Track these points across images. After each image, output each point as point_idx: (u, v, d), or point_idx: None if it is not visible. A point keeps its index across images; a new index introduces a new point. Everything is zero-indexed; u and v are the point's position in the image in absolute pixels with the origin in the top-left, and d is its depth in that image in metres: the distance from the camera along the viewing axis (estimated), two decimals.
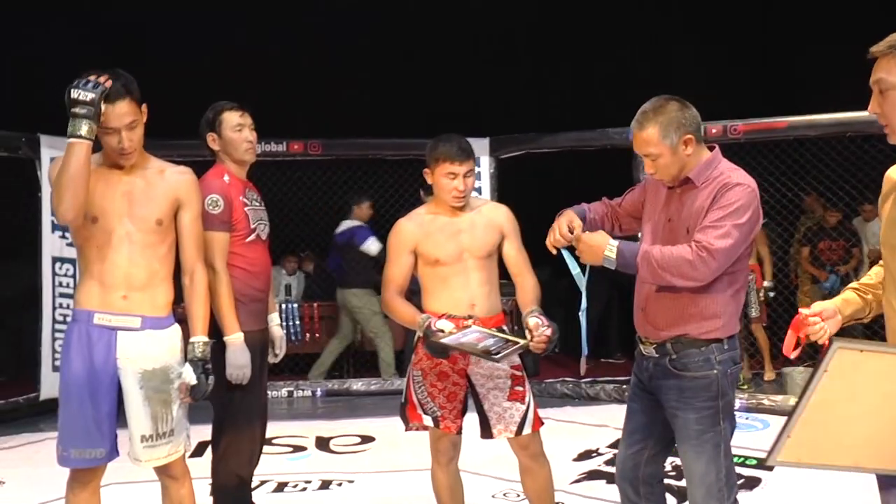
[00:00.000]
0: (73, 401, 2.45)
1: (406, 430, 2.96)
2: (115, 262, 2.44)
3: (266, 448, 4.56)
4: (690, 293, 2.30)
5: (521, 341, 2.66)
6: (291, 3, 7.11)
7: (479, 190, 6.49)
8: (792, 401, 5.49)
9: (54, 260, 5.96)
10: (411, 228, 2.93)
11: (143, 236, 2.47)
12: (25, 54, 7.20)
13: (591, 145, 6.16)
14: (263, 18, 7.24)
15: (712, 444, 2.30)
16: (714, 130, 5.66)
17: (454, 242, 2.89)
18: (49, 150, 5.93)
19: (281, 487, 3.99)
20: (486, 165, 6.48)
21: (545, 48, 7.36)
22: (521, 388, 2.89)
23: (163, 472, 2.59)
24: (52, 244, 5.95)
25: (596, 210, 2.61)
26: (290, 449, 4.77)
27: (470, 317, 2.85)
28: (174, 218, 2.54)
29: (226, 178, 2.97)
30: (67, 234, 5.99)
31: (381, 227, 6.88)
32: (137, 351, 2.46)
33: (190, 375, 2.49)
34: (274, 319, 3.23)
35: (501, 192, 6.50)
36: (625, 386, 6.10)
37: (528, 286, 2.93)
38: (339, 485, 4.04)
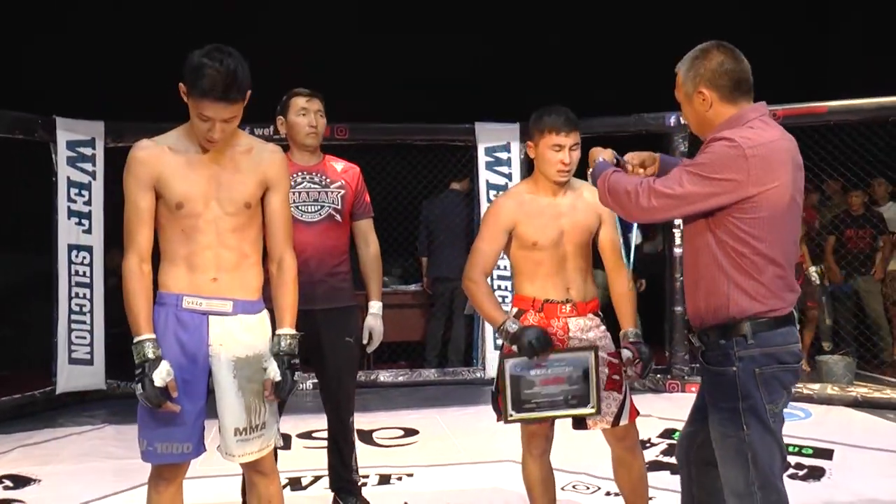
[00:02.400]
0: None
1: (498, 420, 2.80)
2: (202, 244, 2.28)
3: (307, 442, 4.48)
4: (705, 279, 2.11)
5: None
6: None
7: (509, 177, 6.35)
8: (830, 389, 5.45)
9: (70, 248, 5.72)
10: (512, 207, 2.78)
11: (232, 220, 2.30)
12: (43, 35, 6.94)
13: (627, 130, 6.03)
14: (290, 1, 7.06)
15: (735, 450, 2.08)
16: None
17: (554, 226, 2.76)
18: (66, 132, 5.70)
19: (315, 481, 3.82)
20: (516, 151, 6.32)
21: (578, 32, 7.22)
22: (617, 377, 2.77)
23: (251, 467, 2.42)
24: (68, 231, 5.71)
25: None
26: None
27: (567, 301, 2.76)
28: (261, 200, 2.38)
29: None
30: (84, 221, 5.76)
31: (407, 214, 6.74)
32: (230, 337, 2.30)
33: (274, 371, 2.31)
34: (371, 307, 3.17)
35: None
36: (658, 375, 6.00)
37: (621, 288, 2.85)
38: (399, 479, 3.88)
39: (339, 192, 3.13)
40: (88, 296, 5.75)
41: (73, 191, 5.72)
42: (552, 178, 2.74)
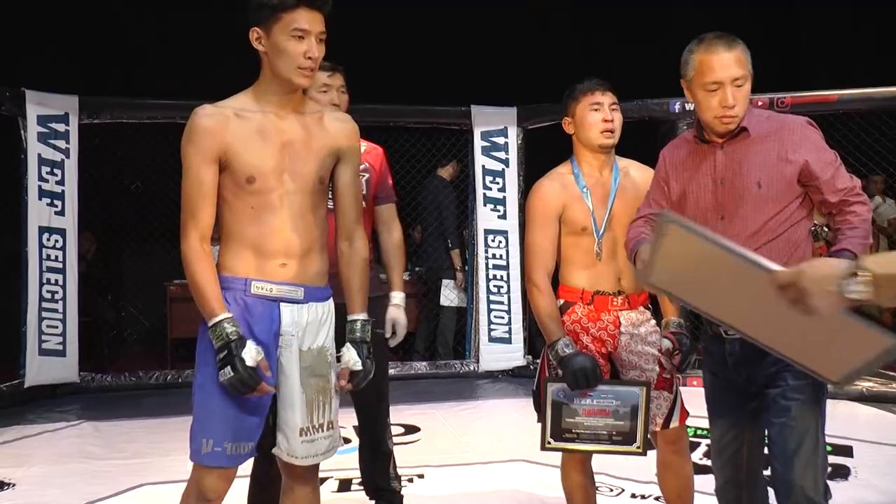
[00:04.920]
0: (226, 386, 1.98)
1: (538, 420, 2.57)
2: (273, 225, 2.03)
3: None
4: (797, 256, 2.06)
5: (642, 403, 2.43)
6: None
7: (505, 162, 6.13)
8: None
9: (41, 230, 5.34)
10: (557, 189, 2.55)
11: (304, 197, 2.07)
12: (13, 2, 6.50)
13: (630, 117, 5.77)
14: None
15: (814, 401, 2.07)
16: (760, 103, 5.39)
17: (603, 209, 2.53)
18: (36, 106, 5.31)
19: (346, 485, 3.57)
20: (513, 136, 6.10)
21: (580, 14, 7.01)
22: (668, 376, 2.55)
23: (292, 471, 2.16)
24: (38, 212, 5.33)
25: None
26: None
27: (619, 292, 2.56)
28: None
29: None
30: (56, 202, 5.39)
31: (399, 200, 6.47)
32: (301, 326, 2.07)
33: (354, 359, 2.11)
34: (393, 298, 2.90)
35: (529, 165, 6.14)
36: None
37: None
38: (411, 480, 3.65)
39: (365, 176, 2.86)
40: (61, 282, 5.39)
41: (45, 169, 5.35)
42: (597, 142, 2.54)
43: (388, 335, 2.90)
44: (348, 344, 2.14)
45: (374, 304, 2.87)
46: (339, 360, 2.14)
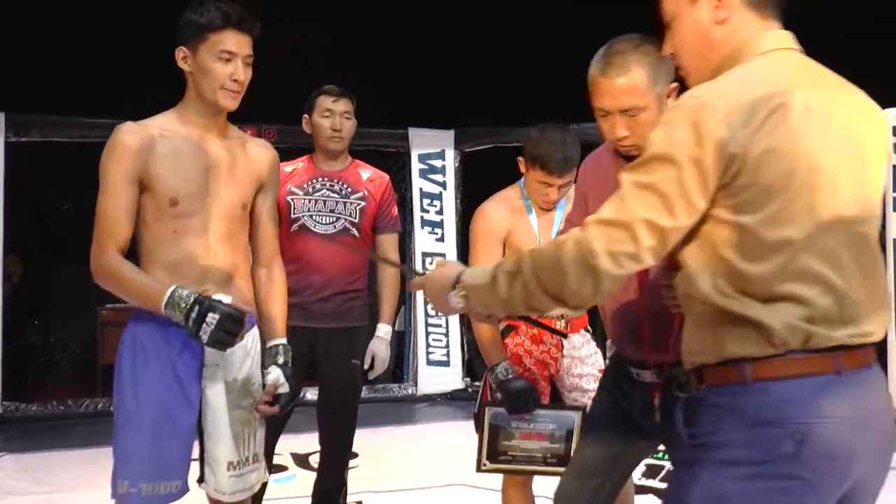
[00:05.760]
0: (146, 420, 1.92)
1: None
2: (195, 250, 1.99)
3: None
4: None
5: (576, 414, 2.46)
6: None
7: (443, 185, 6.17)
8: None
9: None
10: (502, 213, 2.57)
11: (227, 222, 2.04)
12: None
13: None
14: None
15: None
16: None
17: (549, 234, 2.57)
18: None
19: None
20: (450, 159, 6.16)
21: (516, 36, 7.11)
22: None
23: None
24: None
25: None
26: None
27: (562, 316, 2.59)
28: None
29: (299, 164, 2.90)
30: None
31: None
32: (224, 356, 2.01)
33: (281, 380, 2.07)
34: (378, 330, 2.91)
35: (466, 188, 6.20)
36: None
37: None
38: None
39: (359, 205, 2.86)
40: None
41: None
42: (538, 205, 2.58)
43: (366, 366, 2.89)
44: (274, 366, 2.09)
45: (357, 334, 2.90)
46: (264, 385, 2.10)
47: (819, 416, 1.26)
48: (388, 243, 2.97)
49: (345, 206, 2.84)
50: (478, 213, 2.61)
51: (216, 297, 1.86)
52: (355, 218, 2.85)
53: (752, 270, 1.27)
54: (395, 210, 3.01)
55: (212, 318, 1.80)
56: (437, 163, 6.16)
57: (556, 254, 1.32)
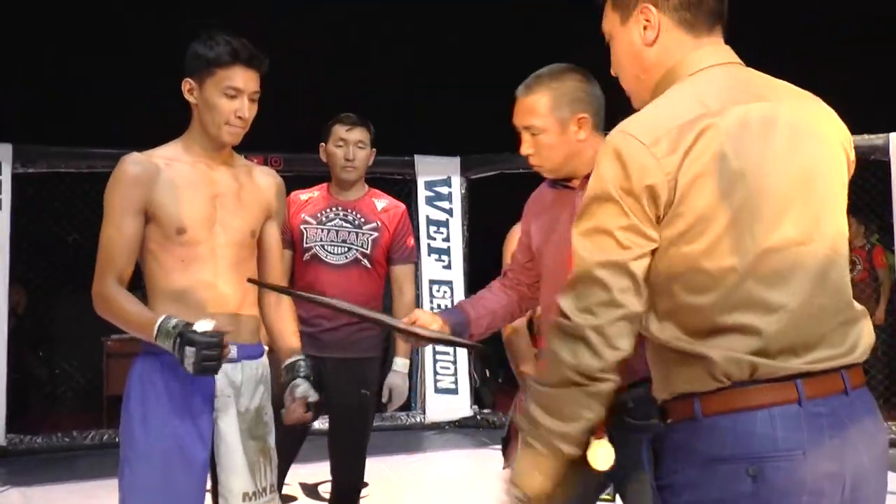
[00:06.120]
0: (156, 454, 1.88)
1: (504, 467, 2.52)
2: (203, 279, 1.96)
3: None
4: None
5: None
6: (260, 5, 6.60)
7: (449, 212, 6.16)
8: None
9: None
10: None
11: (236, 250, 2.01)
12: None
13: None
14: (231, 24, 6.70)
15: None
16: None
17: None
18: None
19: None
20: (456, 186, 6.15)
21: (522, 63, 7.15)
22: None
23: None
24: None
25: (488, 304, 2.04)
26: None
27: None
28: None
29: (315, 192, 2.90)
30: None
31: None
32: (236, 387, 1.98)
33: (311, 391, 2.05)
34: (395, 364, 2.89)
35: (472, 216, 6.19)
36: None
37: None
38: None
39: (371, 235, 2.84)
40: None
41: None
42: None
43: (384, 399, 2.87)
44: (301, 379, 2.06)
45: (367, 365, 2.87)
46: (292, 394, 2.05)
47: (775, 450, 1.17)
48: (404, 274, 2.94)
49: (357, 237, 2.82)
50: (509, 236, 2.57)
51: (198, 324, 1.79)
52: (367, 249, 2.82)
53: (696, 302, 1.21)
54: (411, 241, 2.97)
55: (189, 351, 1.75)
56: (444, 190, 6.16)
57: (545, 349, 1.27)
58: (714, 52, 1.32)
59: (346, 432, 2.85)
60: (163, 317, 1.81)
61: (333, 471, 2.89)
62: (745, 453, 1.17)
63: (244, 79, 1.94)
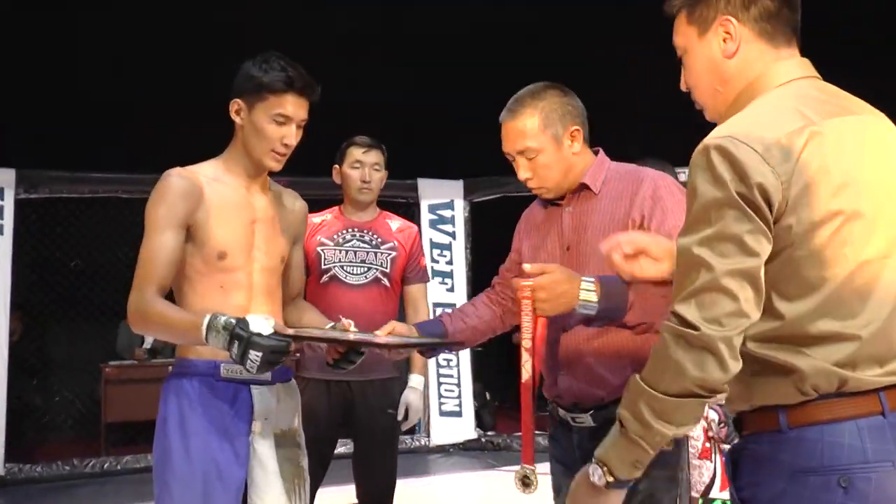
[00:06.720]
0: (197, 476, 1.84)
1: None
2: (241, 304, 1.92)
3: None
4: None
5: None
6: (254, 25, 6.63)
7: (452, 235, 6.15)
8: None
9: None
10: None
11: (270, 276, 2.00)
12: None
13: None
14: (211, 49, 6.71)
15: None
16: None
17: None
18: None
19: None
20: (459, 209, 6.16)
21: (524, 85, 7.16)
22: (710, 445, 2.59)
23: None
24: None
25: (469, 320, 2.01)
26: None
27: None
28: None
29: (328, 215, 2.90)
30: None
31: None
32: (272, 409, 1.95)
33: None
34: (411, 381, 2.89)
35: (476, 239, 6.18)
36: None
37: None
38: None
39: (390, 255, 2.87)
40: None
41: None
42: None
43: (399, 417, 2.86)
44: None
45: (390, 385, 2.89)
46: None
47: (864, 462, 1.17)
48: (419, 293, 2.98)
49: (375, 257, 2.85)
50: None
51: (252, 322, 1.69)
52: (386, 268, 2.85)
53: (791, 310, 1.21)
54: (424, 261, 3.03)
55: (255, 355, 1.67)
56: (447, 213, 6.16)
57: (659, 355, 1.23)
58: (798, 65, 1.34)
59: (375, 453, 2.83)
60: (210, 314, 1.74)
61: (364, 494, 2.85)
62: (835, 465, 1.18)
63: (295, 106, 1.92)
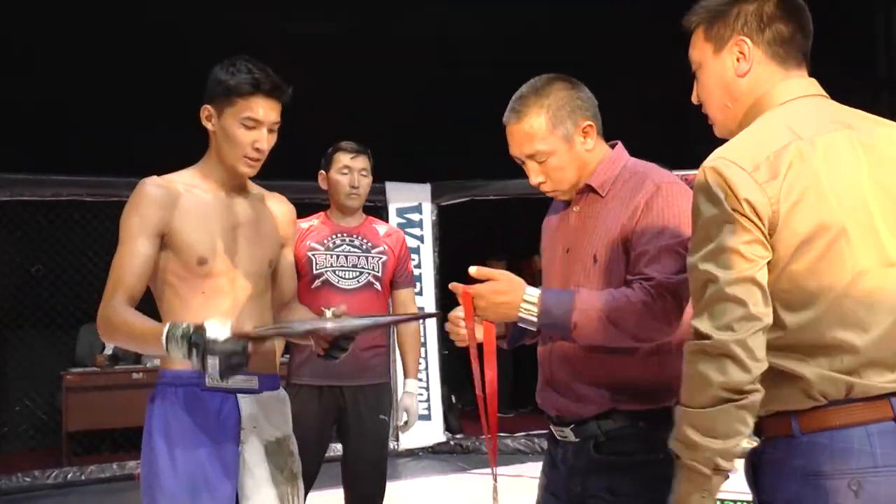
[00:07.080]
0: (184, 488, 1.81)
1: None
2: (224, 311, 1.87)
3: None
4: None
5: None
6: (224, 31, 6.56)
7: (420, 238, 6.14)
8: None
9: None
10: None
11: (255, 281, 1.96)
12: None
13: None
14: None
15: None
16: None
17: None
18: None
19: None
20: (427, 212, 6.15)
21: (493, 89, 7.18)
22: None
23: None
24: None
25: None
26: None
27: None
28: None
29: (315, 220, 2.91)
30: None
31: None
32: (261, 419, 1.93)
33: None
34: (407, 385, 2.95)
35: (444, 242, 6.18)
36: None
37: None
38: None
39: (381, 259, 2.89)
40: None
41: None
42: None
43: (399, 423, 2.91)
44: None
45: (381, 390, 2.90)
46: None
47: (874, 466, 1.22)
48: (407, 297, 3.01)
49: (367, 261, 2.87)
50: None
51: (209, 328, 1.64)
52: (378, 272, 2.87)
53: (794, 320, 1.26)
54: (411, 265, 3.06)
55: (213, 361, 1.63)
56: (415, 216, 6.15)
57: (687, 374, 1.28)
58: (801, 84, 1.39)
59: (366, 458, 2.85)
60: (168, 324, 1.70)
61: (353, 498, 2.86)
62: (846, 469, 1.22)
63: (265, 109, 1.87)
